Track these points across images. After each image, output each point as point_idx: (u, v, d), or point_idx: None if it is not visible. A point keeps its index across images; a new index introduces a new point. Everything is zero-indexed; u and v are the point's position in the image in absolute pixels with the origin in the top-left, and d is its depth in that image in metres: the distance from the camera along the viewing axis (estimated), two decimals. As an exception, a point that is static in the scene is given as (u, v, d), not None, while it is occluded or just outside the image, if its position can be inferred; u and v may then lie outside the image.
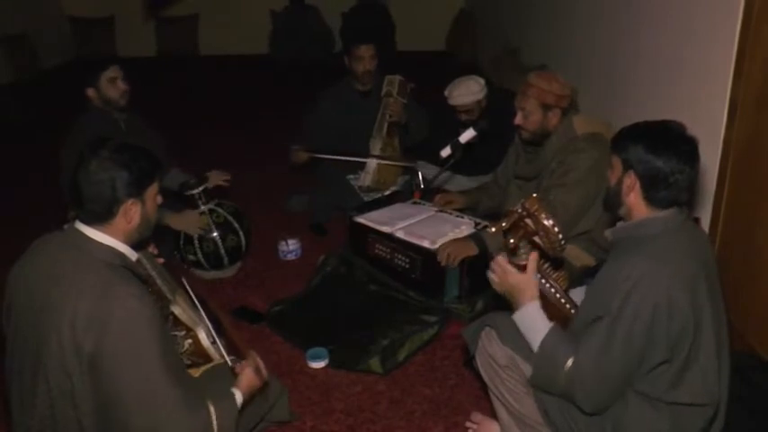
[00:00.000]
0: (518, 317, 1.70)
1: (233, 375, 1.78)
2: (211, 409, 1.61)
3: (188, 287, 1.96)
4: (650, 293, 1.49)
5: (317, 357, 2.51)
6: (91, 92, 2.91)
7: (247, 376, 1.77)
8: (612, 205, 1.70)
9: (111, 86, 2.90)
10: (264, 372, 1.82)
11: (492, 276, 1.75)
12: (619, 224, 1.70)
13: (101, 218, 1.57)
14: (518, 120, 2.55)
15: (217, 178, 3.14)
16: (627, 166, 1.61)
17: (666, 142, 1.57)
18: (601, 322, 1.54)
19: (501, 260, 1.72)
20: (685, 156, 1.56)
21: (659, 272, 1.51)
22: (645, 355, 1.53)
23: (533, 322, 1.67)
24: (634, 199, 1.62)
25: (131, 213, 1.59)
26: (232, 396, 1.70)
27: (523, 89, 2.53)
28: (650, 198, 1.60)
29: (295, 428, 2.18)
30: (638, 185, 1.60)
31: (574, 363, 1.55)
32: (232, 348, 1.89)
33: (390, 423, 2.22)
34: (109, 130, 2.77)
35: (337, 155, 3.53)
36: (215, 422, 1.60)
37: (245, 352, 1.83)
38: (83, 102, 2.94)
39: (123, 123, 2.96)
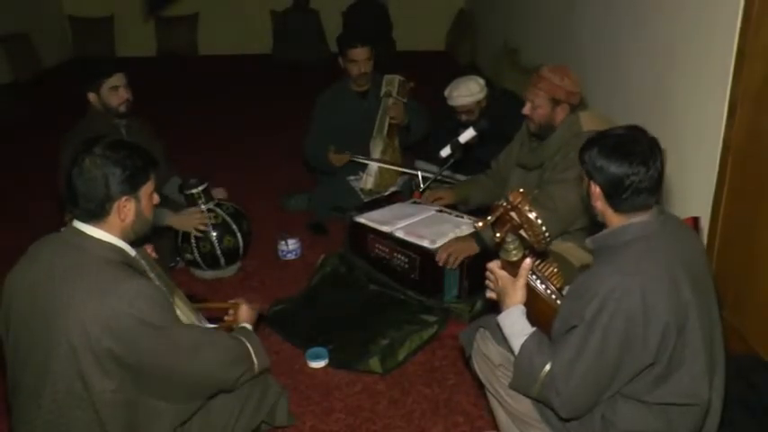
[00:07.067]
0: (501, 318, 1.74)
1: (228, 325, 1.99)
2: (240, 338, 1.83)
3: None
4: (622, 306, 1.48)
5: (316, 357, 2.51)
6: (92, 96, 2.86)
7: (244, 311, 1.99)
8: (590, 212, 1.73)
9: (113, 94, 2.84)
10: (255, 304, 2.05)
11: (487, 283, 1.82)
12: (601, 232, 1.70)
13: (95, 215, 1.58)
14: (526, 110, 2.54)
15: (220, 193, 3.25)
16: (588, 175, 1.62)
17: (616, 146, 1.56)
18: (575, 331, 1.55)
19: (493, 266, 1.77)
20: (638, 157, 1.54)
21: (630, 283, 1.49)
22: (621, 366, 1.53)
23: (513, 326, 1.69)
24: (602, 207, 1.63)
25: (125, 211, 1.59)
26: (245, 327, 1.94)
27: (534, 81, 2.50)
28: (614, 204, 1.59)
29: (295, 428, 2.18)
30: (600, 193, 1.61)
31: (549, 369, 1.57)
32: (217, 314, 2.08)
33: (390, 423, 2.22)
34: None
35: (370, 159, 3.54)
36: (250, 347, 1.83)
37: (229, 305, 2.05)
38: (81, 103, 2.90)
39: (124, 129, 2.92)
